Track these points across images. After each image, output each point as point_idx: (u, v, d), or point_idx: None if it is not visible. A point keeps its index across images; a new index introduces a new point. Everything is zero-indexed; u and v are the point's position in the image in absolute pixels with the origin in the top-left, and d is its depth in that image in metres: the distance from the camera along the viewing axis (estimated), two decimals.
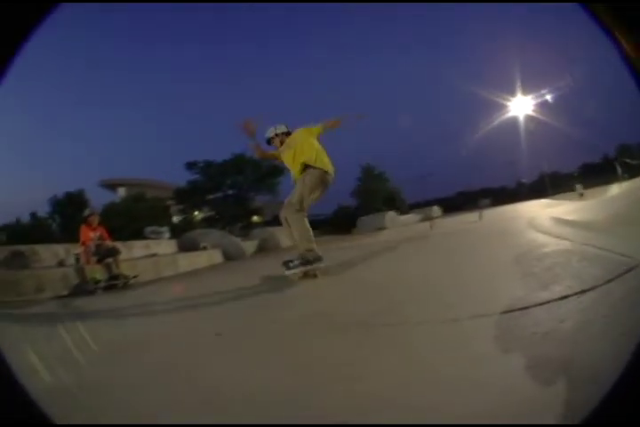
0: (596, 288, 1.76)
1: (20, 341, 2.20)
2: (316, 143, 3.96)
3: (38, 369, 1.56)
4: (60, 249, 6.72)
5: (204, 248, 9.58)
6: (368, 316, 1.97)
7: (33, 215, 24.63)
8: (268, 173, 20.16)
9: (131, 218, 13.09)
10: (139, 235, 11.20)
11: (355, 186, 23.79)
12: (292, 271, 3.56)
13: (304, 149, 3.86)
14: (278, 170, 19.90)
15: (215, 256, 9.08)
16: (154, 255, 7.92)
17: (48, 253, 6.49)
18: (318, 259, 3.60)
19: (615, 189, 11.10)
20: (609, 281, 1.81)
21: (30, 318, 3.62)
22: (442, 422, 0.93)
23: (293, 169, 3.93)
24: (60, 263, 6.43)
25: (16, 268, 5.75)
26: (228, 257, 9.50)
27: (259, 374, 1.38)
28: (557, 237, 3.73)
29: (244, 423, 1.04)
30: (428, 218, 16.37)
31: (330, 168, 3.91)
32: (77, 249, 6.08)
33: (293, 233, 3.76)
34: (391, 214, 17.98)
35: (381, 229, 15.89)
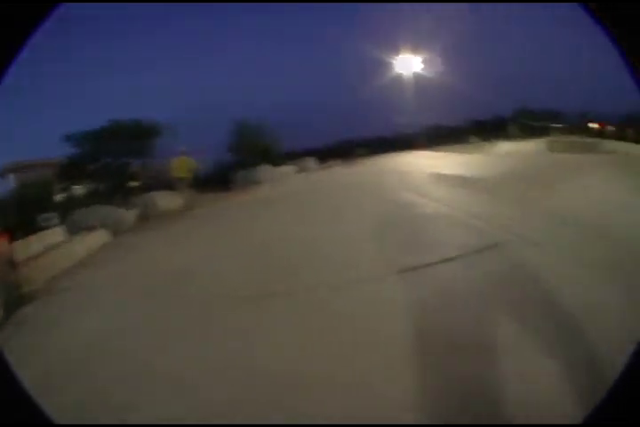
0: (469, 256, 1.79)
1: None
2: None
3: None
4: None
5: (94, 227, 8.86)
6: None
7: None
8: (141, 135, 18.24)
9: (21, 210, 10.83)
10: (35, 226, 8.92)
11: (230, 141, 21.89)
12: None
13: None
14: (155, 130, 18.55)
15: (105, 234, 8.58)
16: (52, 248, 6.61)
17: None
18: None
19: (505, 147, 10.34)
20: (479, 251, 1.85)
21: None
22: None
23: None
24: None
25: None
26: (116, 231, 8.93)
27: None
28: (433, 198, 3.63)
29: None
30: (304, 170, 16.54)
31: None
32: None
33: None
34: (266, 168, 16.90)
35: (257, 183, 15.29)
